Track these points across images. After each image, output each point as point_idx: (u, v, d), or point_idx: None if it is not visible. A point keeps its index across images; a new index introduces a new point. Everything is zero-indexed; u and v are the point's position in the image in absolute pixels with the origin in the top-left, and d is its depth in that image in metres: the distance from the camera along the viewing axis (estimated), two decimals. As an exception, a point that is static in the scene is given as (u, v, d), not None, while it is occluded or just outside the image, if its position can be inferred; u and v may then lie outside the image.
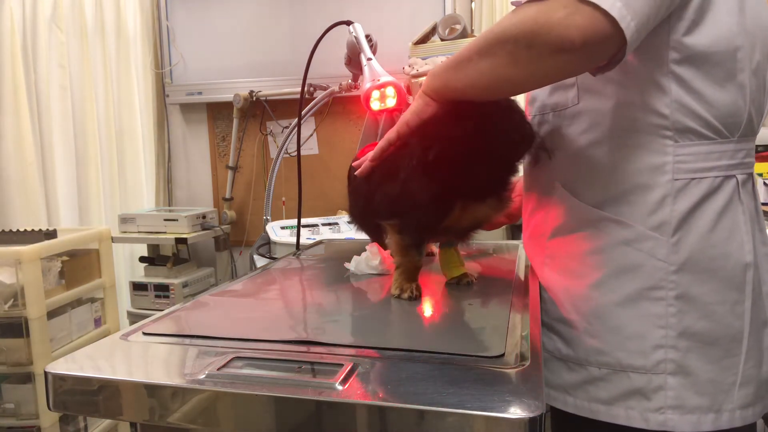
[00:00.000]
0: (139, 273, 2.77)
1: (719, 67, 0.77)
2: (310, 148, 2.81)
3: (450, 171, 0.84)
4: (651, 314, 0.80)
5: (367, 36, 1.62)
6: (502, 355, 0.64)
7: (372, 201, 0.94)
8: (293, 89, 2.68)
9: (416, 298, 0.88)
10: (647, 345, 0.80)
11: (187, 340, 0.72)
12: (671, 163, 0.79)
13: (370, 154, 0.92)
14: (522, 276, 1.03)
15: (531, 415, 0.50)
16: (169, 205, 3.07)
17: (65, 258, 2.02)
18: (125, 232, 2.65)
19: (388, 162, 0.90)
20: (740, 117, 0.79)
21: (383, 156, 0.91)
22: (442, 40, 2.11)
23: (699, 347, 0.79)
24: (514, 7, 0.74)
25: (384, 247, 1.03)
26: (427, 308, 0.87)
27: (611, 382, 0.82)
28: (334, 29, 1.45)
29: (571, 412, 0.87)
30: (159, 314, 0.83)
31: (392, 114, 1.58)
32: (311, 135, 2.81)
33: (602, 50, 0.71)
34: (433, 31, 2.15)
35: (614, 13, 0.67)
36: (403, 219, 0.89)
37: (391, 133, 0.89)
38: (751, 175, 0.83)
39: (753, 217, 0.82)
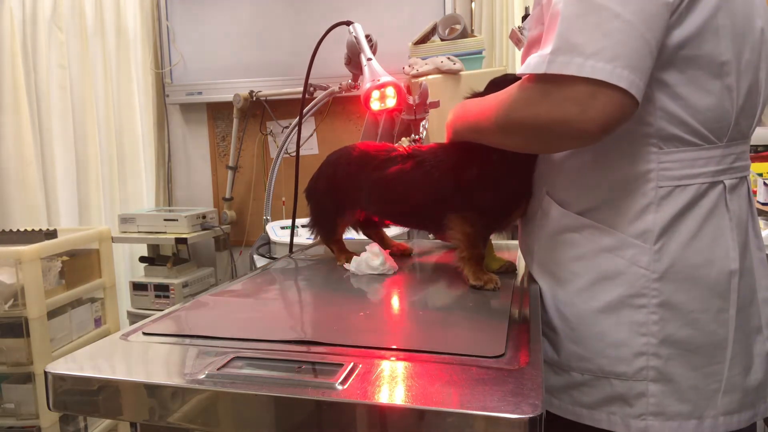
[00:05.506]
0: (139, 273, 2.77)
1: (703, 70, 0.75)
2: (310, 148, 2.82)
3: (520, 167, 0.93)
4: (633, 322, 0.80)
5: (367, 36, 1.62)
6: (502, 355, 0.64)
7: (427, 196, 0.99)
8: (293, 89, 2.68)
9: (499, 289, 0.92)
10: (629, 352, 0.80)
11: (187, 340, 0.72)
12: (655, 170, 0.78)
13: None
14: (522, 276, 1.03)
15: (531, 415, 0.50)
16: (169, 205, 3.07)
17: (65, 258, 2.02)
18: (125, 232, 2.65)
19: (449, 161, 0.97)
20: (727, 121, 0.78)
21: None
22: (442, 40, 2.11)
23: (681, 355, 0.78)
24: (514, 32, 0.75)
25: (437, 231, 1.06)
26: (427, 308, 0.87)
27: (594, 387, 0.83)
28: (335, 29, 1.45)
29: (556, 414, 0.88)
30: (159, 314, 0.83)
31: (392, 114, 1.58)
32: (311, 135, 2.81)
33: (618, 126, 0.71)
34: (433, 31, 2.15)
35: (623, 84, 0.67)
36: (482, 211, 0.95)
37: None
38: (743, 179, 0.82)
39: (742, 223, 0.81)
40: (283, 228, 2.22)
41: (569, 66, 0.69)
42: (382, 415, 0.53)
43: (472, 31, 2.43)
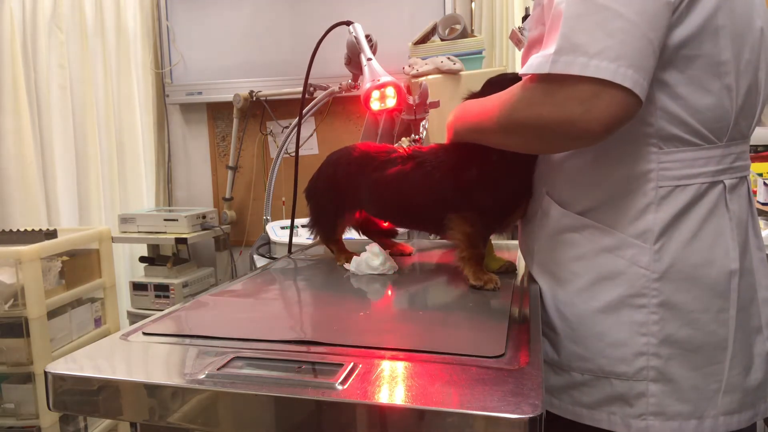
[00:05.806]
0: (139, 273, 2.77)
1: (703, 69, 0.75)
2: (310, 148, 2.81)
3: (520, 168, 0.94)
4: (633, 321, 0.80)
5: (367, 36, 1.62)
6: (502, 355, 0.64)
7: (431, 196, 0.99)
8: (293, 89, 2.68)
9: (499, 289, 0.91)
10: (629, 352, 0.80)
11: (187, 340, 0.72)
12: (656, 170, 0.78)
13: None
14: (522, 276, 1.03)
15: (531, 415, 0.50)
16: (169, 205, 3.07)
17: (65, 258, 2.02)
18: (125, 232, 2.65)
19: (449, 161, 0.98)
20: (727, 121, 0.78)
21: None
22: (442, 40, 2.11)
23: (681, 354, 0.78)
24: (515, 34, 0.75)
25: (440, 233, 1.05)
26: (427, 308, 0.87)
27: (594, 387, 0.83)
28: (335, 29, 1.45)
29: (556, 414, 0.87)
30: (159, 314, 0.83)
31: (392, 114, 1.58)
32: (311, 135, 2.81)
33: (621, 126, 0.71)
34: (433, 31, 2.15)
35: (627, 83, 0.67)
36: (482, 211, 0.96)
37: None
38: (743, 179, 0.82)
39: (742, 223, 0.81)
40: (283, 228, 2.23)
41: (573, 66, 0.69)
42: (382, 415, 0.53)
43: (472, 31, 2.43)
